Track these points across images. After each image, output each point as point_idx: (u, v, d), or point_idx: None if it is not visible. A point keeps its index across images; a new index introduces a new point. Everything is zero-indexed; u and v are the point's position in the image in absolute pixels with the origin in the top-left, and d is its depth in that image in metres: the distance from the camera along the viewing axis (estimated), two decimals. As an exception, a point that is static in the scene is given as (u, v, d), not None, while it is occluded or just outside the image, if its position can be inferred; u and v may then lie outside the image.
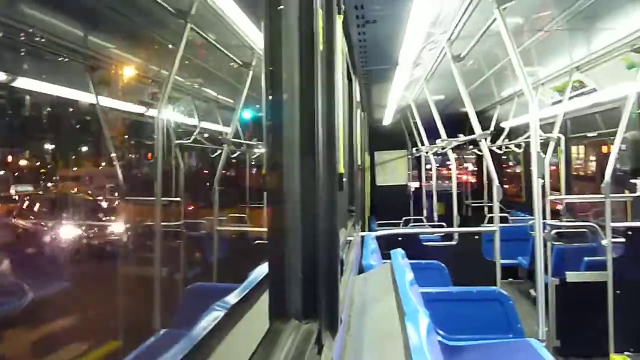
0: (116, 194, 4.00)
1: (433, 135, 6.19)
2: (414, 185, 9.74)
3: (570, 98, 4.90)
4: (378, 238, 3.93)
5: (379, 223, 7.95)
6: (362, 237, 4.03)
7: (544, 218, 4.56)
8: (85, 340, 3.24)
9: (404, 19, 2.94)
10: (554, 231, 4.25)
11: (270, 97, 1.24)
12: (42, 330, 3.14)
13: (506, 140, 7.31)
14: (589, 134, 6.00)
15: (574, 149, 6.51)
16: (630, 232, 3.89)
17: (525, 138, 6.39)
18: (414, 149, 8.95)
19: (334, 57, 1.36)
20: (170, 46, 3.18)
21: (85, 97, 3.80)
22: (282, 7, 1.20)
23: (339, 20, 1.48)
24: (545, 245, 4.04)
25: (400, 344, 1.43)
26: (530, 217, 6.30)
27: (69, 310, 3.36)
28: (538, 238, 2.67)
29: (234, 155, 6.58)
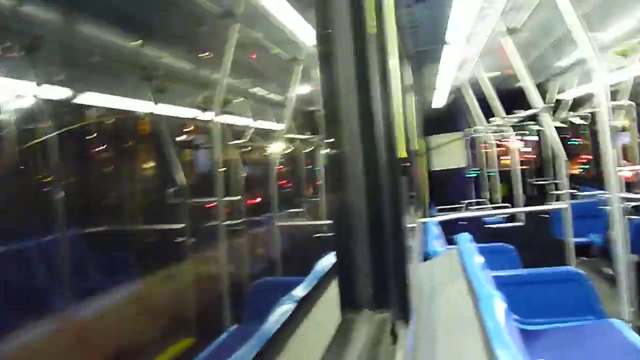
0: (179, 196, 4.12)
1: (490, 114, 5.98)
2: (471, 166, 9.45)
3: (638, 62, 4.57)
4: (440, 223, 3.85)
5: (439, 208, 7.78)
6: (424, 223, 3.95)
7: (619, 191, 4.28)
8: (157, 338, 3.37)
9: (452, -4, 2.85)
10: (630, 204, 3.98)
11: (325, 87, 1.22)
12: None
13: (568, 112, 6.92)
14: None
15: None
16: None
17: (591, 109, 6.03)
18: (471, 130, 8.67)
19: (385, 40, 1.33)
20: (219, 47, 3.23)
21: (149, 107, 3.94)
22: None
23: (390, 2, 1.44)
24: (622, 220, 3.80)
25: (477, 330, 1.38)
26: (599, 192, 5.95)
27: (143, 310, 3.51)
28: (616, 212, 2.50)
29: (288, 151, 6.64)
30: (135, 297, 3.48)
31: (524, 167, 9.08)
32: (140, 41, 3.55)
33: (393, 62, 1.44)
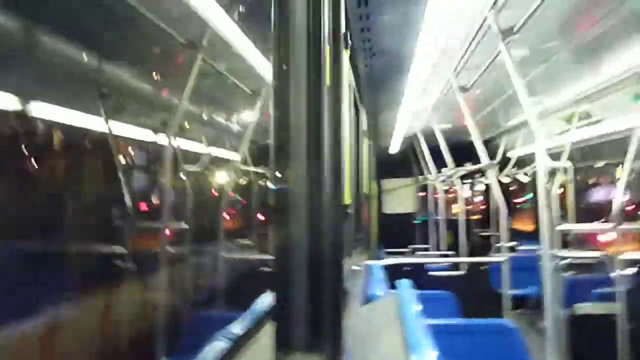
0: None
1: (441, 163, 6.21)
2: (420, 212, 9.71)
3: (578, 128, 4.91)
4: (385, 267, 3.90)
5: (387, 251, 7.90)
6: (369, 266, 4.00)
7: (553, 248, 4.51)
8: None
9: (410, 51, 3.00)
10: (563, 262, 4.19)
11: (278, 128, 1.26)
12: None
13: (514, 169, 7.30)
14: (597, 164, 5.98)
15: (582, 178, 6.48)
16: (641, 264, 3.83)
17: (533, 167, 6.38)
18: (420, 177, 8.96)
19: (340, 91, 1.39)
20: (181, 75, 3.25)
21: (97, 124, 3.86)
22: (290, 41, 1.24)
23: (345, 56, 1.51)
24: (554, 276, 3.99)
25: (406, 378, 1.41)
26: (535, 247, 6.23)
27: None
28: (547, 269, 2.63)
29: (243, 182, 6.63)
30: (66, 320, 3.30)
31: (473, 217, 9.42)
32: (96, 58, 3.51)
33: (346, 113, 1.50)
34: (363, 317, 2.20)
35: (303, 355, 1.15)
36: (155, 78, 4.25)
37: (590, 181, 6.51)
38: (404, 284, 2.67)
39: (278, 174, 1.28)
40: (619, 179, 4.30)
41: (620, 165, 5.10)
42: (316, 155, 1.23)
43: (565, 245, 5.39)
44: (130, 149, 4.74)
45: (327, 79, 1.25)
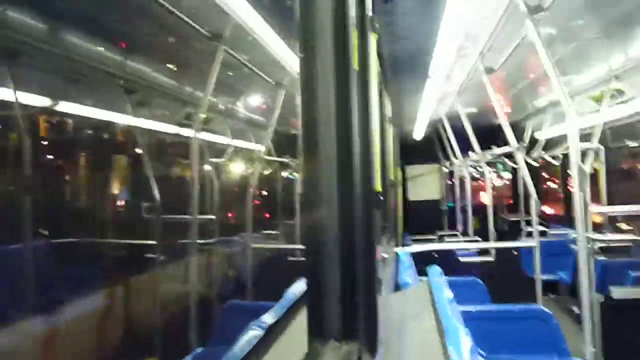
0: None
1: (466, 148, 6.11)
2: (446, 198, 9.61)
3: (609, 107, 4.76)
4: (413, 254, 3.88)
5: (413, 239, 7.85)
6: (397, 253, 3.98)
7: (586, 231, 4.40)
8: (122, 356, 3.29)
9: (435, 34, 2.94)
10: (597, 245, 4.09)
11: (306, 117, 1.25)
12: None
13: (542, 152, 7.13)
14: (631, 144, 5.80)
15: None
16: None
17: (563, 150, 6.22)
18: (447, 163, 8.84)
19: (368, 75, 1.36)
20: (205, 66, 3.26)
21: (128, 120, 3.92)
22: (316, 28, 1.21)
23: (373, 40, 1.48)
24: (588, 260, 3.90)
25: (442, 364, 1.39)
26: (569, 231, 6.10)
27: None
28: (582, 253, 2.57)
29: (267, 172, 6.65)
30: (101, 312, 3.39)
31: (498, 202, 9.27)
32: (123, 54, 3.55)
33: (374, 97, 1.48)
34: (395, 305, 2.19)
35: (338, 343, 1.14)
36: (179, 71, 4.28)
37: (624, 163, 6.33)
38: (434, 270, 2.64)
39: (307, 163, 1.27)
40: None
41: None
42: (346, 141, 1.21)
43: (595, 228, 5.27)
44: (156, 143, 4.80)
45: (355, 63, 1.22)
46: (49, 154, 4.08)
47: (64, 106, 3.46)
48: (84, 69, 3.35)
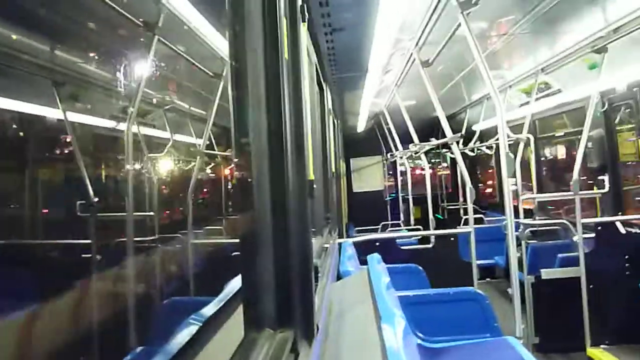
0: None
1: (407, 140, 6.26)
2: (389, 189, 9.83)
3: (537, 99, 5.03)
4: (355, 244, 3.94)
5: (358, 229, 7.98)
6: (340, 244, 4.03)
7: (517, 217, 4.64)
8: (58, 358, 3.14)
9: (371, 26, 2.98)
10: (527, 230, 4.33)
11: (237, 107, 1.24)
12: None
13: (477, 142, 7.44)
14: (557, 134, 6.16)
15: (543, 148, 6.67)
16: (600, 227, 3.99)
17: (495, 140, 6.52)
18: (388, 154, 9.03)
19: (299, 64, 1.37)
20: (139, 59, 3.14)
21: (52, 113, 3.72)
22: (245, 16, 1.20)
23: (303, 28, 1.49)
24: (519, 244, 4.12)
25: (378, 348, 1.43)
26: (500, 217, 6.41)
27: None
28: (511, 237, 2.71)
29: (209, 167, 6.53)
30: (34, 315, 3.22)
31: (437, 192, 9.59)
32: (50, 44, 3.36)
33: (306, 87, 1.48)
34: (335, 293, 2.22)
35: (273, 331, 1.15)
36: (112, 63, 4.11)
37: (551, 152, 6.71)
38: (374, 258, 2.70)
39: (239, 154, 1.26)
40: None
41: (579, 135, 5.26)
42: (277, 130, 1.21)
43: (529, 215, 5.57)
44: (89, 138, 4.60)
45: (285, 52, 1.23)
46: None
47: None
48: (6, 60, 3.14)
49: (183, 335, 1.57)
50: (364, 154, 9.97)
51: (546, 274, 3.95)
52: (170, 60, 3.68)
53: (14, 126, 4.09)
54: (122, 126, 4.05)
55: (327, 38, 3.08)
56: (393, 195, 9.65)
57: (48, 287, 3.38)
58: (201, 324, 1.57)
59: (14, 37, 3.18)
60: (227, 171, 7.05)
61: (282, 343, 1.14)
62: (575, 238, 3.82)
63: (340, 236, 5.46)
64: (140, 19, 2.92)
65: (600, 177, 4.77)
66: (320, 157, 3.56)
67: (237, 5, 1.22)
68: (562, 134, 6.00)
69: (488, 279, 6.35)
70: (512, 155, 2.69)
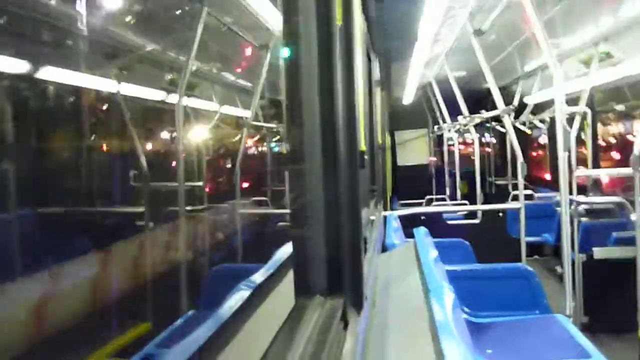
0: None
1: (455, 112, 6.11)
2: (435, 163, 9.67)
3: (597, 70, 4.76)
4: (401, 217, 3.92)
5: (402, 203, 7.93)
6: (385, 216, 4.02)
7: (571, 194, 4.47)
8: (113, 320, 3.33)
9: (422, -6, 2.89)
10: (581, 207, 4.16)
11: (289, 76, 1.23)
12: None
13: (530, 115, 7.16)
14: (618, 107, 5.83)
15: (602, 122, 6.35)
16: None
17: (551, 113, 6.24)
18: (435, 127, 8.85)
19: (352, 32, 1.34)
20: (188, 31, 3.19)
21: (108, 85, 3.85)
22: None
23: (356, -5, 1.46)
24: (572, 222, 3.98)
25: (426, 320, 1.43)
26: (552, 194, 6.20)
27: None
28: (564, 214, 2.62)
29: (255, 138, 6.62)
30: (91, 279, 3.41)
31: (485, 166, 9.35)
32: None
33: (359, 55, 1.46)
34: (382, 265, 2.23)
35: (323, 298, 1.17)
36: (162, 35, 4.18)
37: (612, 126, 6.38)
38: (421, 232, 2.68)
39: (291, 125, 1.26)
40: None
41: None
42: (329, 100, 1.20)
43: (582, 192, 5.35)
44: (141, 110, 4.74)
45: (338, 17, 1.20)
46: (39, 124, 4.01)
47: (45, 73, 3.38)
48: (62, 34, 3.26)
49: (235, 300, 1.63)
50: (409, 127, 9.82)
51: (599, 252, 3.81)
52: (218, 32, 3.70)
53: (67, 98, 4.26)
54: (172, 99, 4.15)
55: (377, 6, 3.01)
56: (440, 168, 9.49)
57: (103, 252, 3.57)
58: (252, 290, 1.61)
59: (67, 10, 3.28)
60: (272, 144, 7.12)
61: (332, 310, 1.16)
62: (632, 217, 3.64)
63: (385, 209, 5.44)
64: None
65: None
66: (369, 128, 3.53)
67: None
68: (623, 107, 5.68)
69: (536, 257, 6.20)
70: (569, 129, 2.58)
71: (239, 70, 5.55)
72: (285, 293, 1.45)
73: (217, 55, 4.82)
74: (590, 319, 3.82)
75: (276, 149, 6.95)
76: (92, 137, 4.63)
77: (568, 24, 4.48)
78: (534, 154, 8.94)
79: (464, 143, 9.54)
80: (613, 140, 6.27)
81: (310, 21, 1.17)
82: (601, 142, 6.29)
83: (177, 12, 3.48)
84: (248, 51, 4.29)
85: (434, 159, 9.80)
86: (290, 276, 1.38)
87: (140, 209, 3.88)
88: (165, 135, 5.35)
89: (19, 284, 2.79)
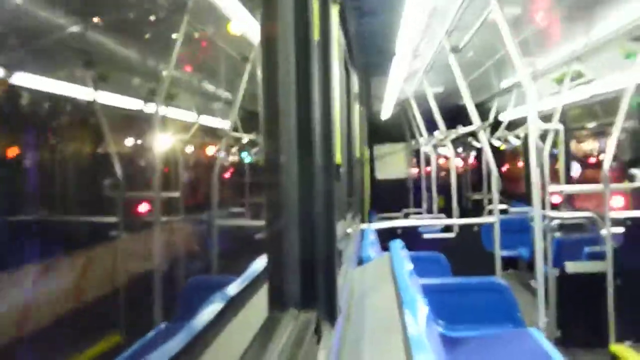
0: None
1: (432, 127, 6.19)
2: (412, 177, 9.77)
3: (569, 89, 4.90)
4: (378, 231, 3.94)
5: (380, 216, 7.97)
6: (362, 229, 4.03)
7: (544, 209, 4.57)
8: (83, 332, 3.25)
9: (401, 11, 2.94)
10: (554, 222, 4.25)
11: (266, 88, 1.24)
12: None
13: (505, 131, 7.31)
14: (589, 125, 6.00)
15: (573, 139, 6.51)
16: (629, 222, 3.89)
17: (524, 130, 6.38)
18: (413, 142, 8.96)
19: (329, 47, 1.36)
20: (167, 41, 3.17)
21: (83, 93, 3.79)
22: (277, -4, 1.20)
23: (334, 10, 1.47)
24: (545, 236, 4.06)
25: (400, 334, 1.44)
26: (530, 208, 6.30)
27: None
28: (537, 229, 2.67)
29: (233, 149, 6.58)
30: (61, 289, 3.32)
31: (462, 181, 9.48)
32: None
33: (336, 69, 1.48)
34: (357, 277, 2.23)
35: (297, 311, 1.16)
36: (142, 44, 4.15)
37: (583, 142, 6.55)
38: (397, 245, 2.70)
39: (267, 136, 1.26)
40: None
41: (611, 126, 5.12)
42: (306, 113, 1.21)
43: (555, 208, 5.46)
44: (117, 118, 4.67)
45: (316, 33, 1.22)
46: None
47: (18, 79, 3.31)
48: (38, 41, 3.21)
49: (208, 313, 1.61)
50: (388, 141, 9.92)
51: (571, 267, 3.88)
52: (200, 42, 3.70)
53: (43, 104, 4.18)
54: (150, 108, 4.11)
55: (356, 22, 3.05)
56: (417, 182, 9.59)
57: (74, 263, 3.49)
58: (226, 302, 1.60)
59: (46, 16, 3.24)
60: (252, 154, 7.08)
61: (306, 323, 1.16)
62: (603, 232, 3.73)
63: (363, 222, 5.46)
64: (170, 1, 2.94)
65: (632, 171, 4.64)
66: (346, 142, 3.55)
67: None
68: (594, 124, 5.84)
69: (510, 270, 6.28)
70: (542, 145, 2.64)
71: (218, 80, 5.54)
72: (259, 305, 1.44)
73: (197, 65, 4.81)
74: (563, 332, 3.87)
75: (248, 160, 6.93)
76: (67, 144, 4.55)
77: (542, 44, 4.61)
78: (510, 167, 9.10)
79: (442, 157, 9.67)
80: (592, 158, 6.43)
81: (288, 35, 1.18)
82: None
83: (157, 20, 3.47)
84: (228, 62, 4.29)
85: (412, 172, 9.90)
86: (264, 288, 1.38)
87: (114, 219, 3.82)
88: (141, 143, 5.28)
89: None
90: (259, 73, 1.21)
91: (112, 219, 3.81)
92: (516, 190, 8.52)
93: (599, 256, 3.78)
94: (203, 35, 3.43)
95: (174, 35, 3.03)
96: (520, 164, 8.84)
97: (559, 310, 3.89)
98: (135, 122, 5.15)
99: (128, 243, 3.77)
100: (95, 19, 3.50)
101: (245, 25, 3.15)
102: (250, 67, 3.88)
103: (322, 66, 1.30)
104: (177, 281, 3.78)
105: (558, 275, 3.92)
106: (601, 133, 5.92)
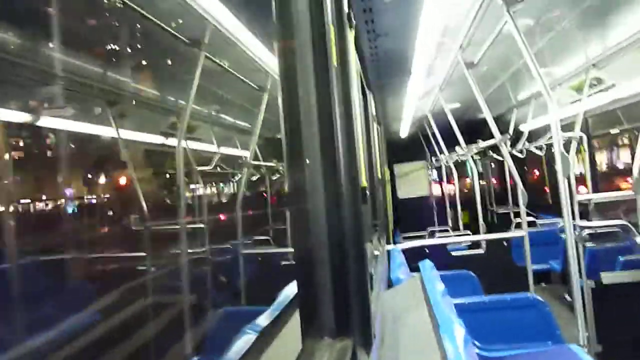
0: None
1: (452, 143, 6.15)
2: (435, 194, 9.66)
3: (589, 96, 4.82)
4: (404, 251, 3.88)
5: (404, 236, 7.88)
6: (389, 251, 3.98)
7: (573, 219, 4.45)
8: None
9: (414, 30, 2.95)
10: (585, 232, 4.13)
11: (288, 117, 1.24)
12: None
13: (527, 143, 7.20)
14: (612, 131, 5.88)
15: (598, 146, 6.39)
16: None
17: (547, 140, 6.29)
18: (433, 159, 8.90)
19: (348, 72, 1.36)
20: (186, 75, 3.24)
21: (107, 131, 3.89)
22: (294, 25, 1.21)
23: (350, 35, 1.49)
24: (577, 248, 3.94)
25: (438, 357, 1.39)
26: (555, 220, 6.16)
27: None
28: (570, 240, 2.59)
29: (255, 178, 6.64)
30: (94, 326, 3.35)
31: (485, 195, 9.34)
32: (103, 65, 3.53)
33: (355, 93, 1.48)
34: (388, 301, 2.19)
35: (332, 340, 1.14)
36: (161, 80, 4.26)
37: (608, 149, 6.41)
38: (427, 265, 2.65)
39: (292, 164, 1.26)
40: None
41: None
42: (329, 138, 1.21)
43: (583, 216, 5.32)
44: (141, 153, 4.77)
45: (334, 59, 1.22)
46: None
47: (44, 121, 3.42)
48: (61, 81, 3.31)
49: (240, 345, 1.59)
50: (408, 160, 9.87)
51: (607, 278, 3.75)
52: (217, 75, 3.77)
53: (70, 144, 4.29)
54: (172, 141, 4.18)
55: (370, 44, 3.08)
56: (440, 199, 9.48)
57: (105, 300, 3.52)
58: (257, 334, 1.58)
59: (68, 59, 3.34)
60: (274, 181, 7.12)
61: (342, 352, 1.13)
62: (638, 239, 3.61)
63: (388, 243, 5.39)
64: (186, 35, 3.00)
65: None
66: (367, 163, 3.54)
67: (285, 14, 1.23)
68: (617, 130, 5.73)
69: (543, 284, 6.11)
70: (567, 155, 2.59)
71: (237, 111, 5.62)
72: (291, 335, 1.41)
73: (215, 98, 4.89)
74: (605, 347, 3.72)
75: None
76: (93, 184, 4.65)
77: (558, 53, 4.57)
78: (532, 177, 8.93)
79: (464, 174, 9.57)
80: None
81: (306, 63, 1.19)
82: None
83: (177, 57, 3.56)
84: (246, 93, 4.36)
85: (435, 189, 9.81)
86: (296, 318, 1.35)
87: (141, 254, 3.86)
88: (165, 177, 5.36)
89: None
90: (279, 101, 1.22)
91: (138, 254, 3.86)
92: (539, 199, 8.36)
93: (635, 265, 3.65)
94: (220, 68, 3.50)
95: (192, 72, 3.09)
96: (537, 172, 8.68)
97: (597, 324, 3.75)
98: (157, 156, 5.23)
99: (155, 277, 3.79)
100: (115, 59, 3.61)
101: (260, 56, 3.20)
102: (267, 96, 3.94)
103: (342, 91, 1.30)
104: (206, 312, 3.78)
105: (594, 287, 3.79)
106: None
